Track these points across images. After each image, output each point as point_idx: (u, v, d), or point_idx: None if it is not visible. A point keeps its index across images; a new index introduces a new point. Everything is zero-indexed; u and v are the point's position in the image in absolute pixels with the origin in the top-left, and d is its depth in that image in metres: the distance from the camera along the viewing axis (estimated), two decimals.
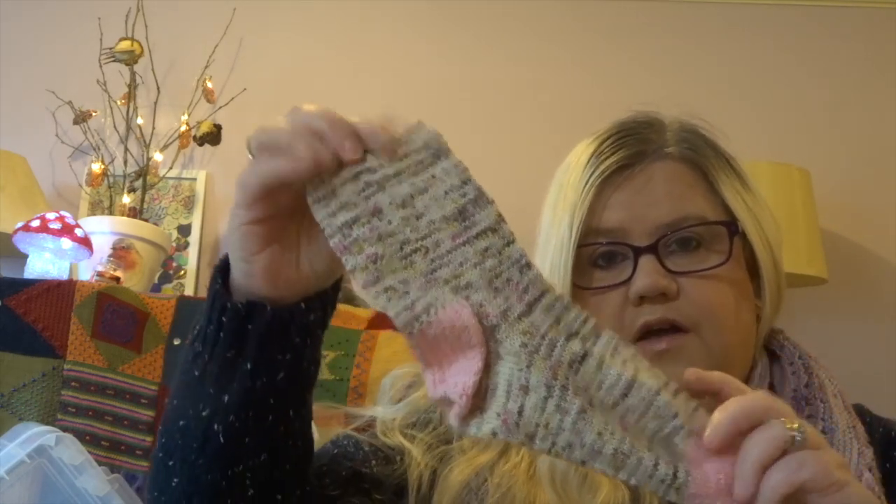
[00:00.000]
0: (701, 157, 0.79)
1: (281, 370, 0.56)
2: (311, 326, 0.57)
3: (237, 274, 0.56)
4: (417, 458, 0.70)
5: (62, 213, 1.71)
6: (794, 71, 2.17)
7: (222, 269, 0.57)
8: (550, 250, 0.77)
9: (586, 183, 0.77)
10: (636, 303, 0.73)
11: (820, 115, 2.13)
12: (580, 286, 0.75)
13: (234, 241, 0.54)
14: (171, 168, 2.07)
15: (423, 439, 0.71)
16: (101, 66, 2.05)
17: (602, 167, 0.77)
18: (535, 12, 2.22)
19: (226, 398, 0.55)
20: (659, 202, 0.76)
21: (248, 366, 0.55)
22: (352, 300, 1.51)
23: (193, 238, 2.08)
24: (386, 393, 0.77)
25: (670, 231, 0.74)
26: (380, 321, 1.52)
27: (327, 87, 2.18)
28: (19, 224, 1.68)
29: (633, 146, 0.79)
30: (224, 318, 0.55)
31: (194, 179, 2.12)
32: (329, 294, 0.58)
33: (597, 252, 0.76)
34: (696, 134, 0.81)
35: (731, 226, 0.76)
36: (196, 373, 0.56)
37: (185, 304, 1.59)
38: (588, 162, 0.78)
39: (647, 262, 0.73)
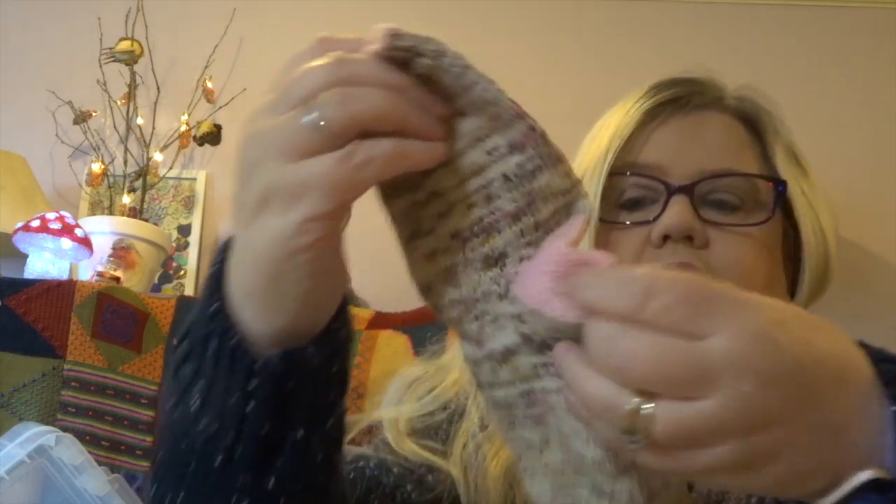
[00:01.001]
0: (760, 119, 0.74)
1: (330, 416, 0.44)
2: (347, 349, 0.44)
3: (257, 311, 0.39)
4: (447, 472, 0.62)
5: (62, 213, 1.71)
6: (793, 70, 2.17)
7: (218, 304, 0.41)
8: (582, 174, 0.69)
9: (630, 112, 0.71)
10: (658, 243, 0.65)
11: (819, 114, 2.13)
12: (604, 220, 0.68)
13: (291, 271, 0.37)
14: (171, 168, 2.07)
15: (442, 450, 0.64)
16: (101, 66, 2.05)
17: (652, 100, 0.71)
18: (540, 10, 2.22)
19: (271, 483, 0.41)
20: (706, 148, 0.69)
21: (300, 433, 0.41)
22: (352, 300, 1.51)
23: (193, 238, 2.08)
24: (401, 391, 0.69)
25: (712, 177, 0.67)
26: (380, 321, 1.52)
27: None
28: (19, 224, 1.68)
29: (689, 87, 0.73)
30: (253, 382, 0.39)
31: (194, 179, 2.12)
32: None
33: (627, 191, 0.69)
34: (758, 100, 0.76)
35: (780, 184, 0.69)
36: (217, 460, 0.41)
37: (185, 304, 1.59)
38: (638, 99, 0.72)
39: (679, 201, 0.65)
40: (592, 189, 0.67)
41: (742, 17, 2.22)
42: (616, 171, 0.68)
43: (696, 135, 0.70)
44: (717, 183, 0.67)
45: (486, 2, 2.26)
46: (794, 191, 0.70)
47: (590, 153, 0.71)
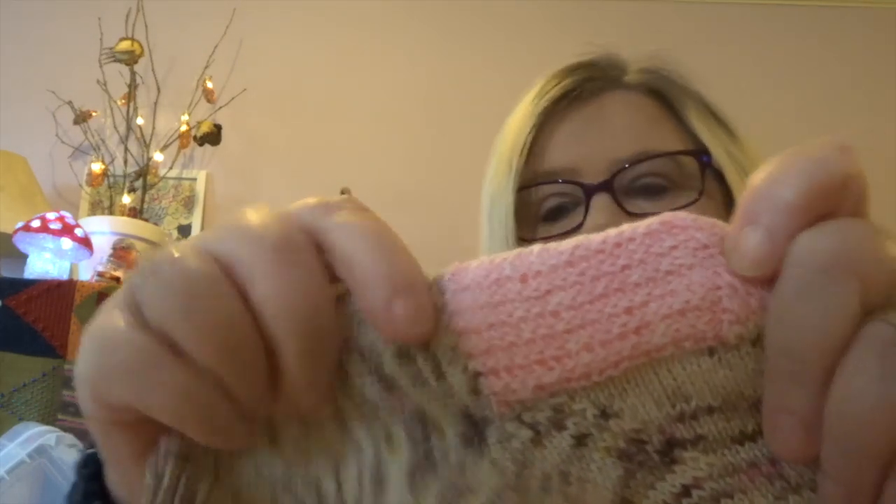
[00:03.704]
0: (666, 87, 0.66)
1: None
2: None
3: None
4: None
5: (62, 213, 1.71)
6: (793, 70, 2.17)
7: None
8: (488, 202, 0.64)
9: (525, 118, 0.64)
10: None
11: (819, 114, 2.13)
12: (525, 238, 0.61)
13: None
14: (171, 168, 2.07)
15: None
16: (101, 66, 2.05)
17: (546, 98, 0.64)
18: (535, 14, 2.22)
19: None
20: (615, 135, 0.62)
21: None
22: None
23: None
24: None
25: (627, 166, 0.60)
26: None
27: (327, 87, 2.19)
28: (19, 224, 1.68)
29: (585, 73, 0.66)
30: None
31: (194, 179, 2.12)
32: None
33: (547, 200, 0.62)
34: (664, 68, 0.68)
35: (703, 155, 0.62)
36: None
37: None
38: (531, 100, 0.66)
39: (600, 201, 0.59)
40: (503, 210, 0.62)
41: (741, 18, 2.22)
42: (525, 186, 0.62)
43: (600, 123, 0.63)
44: (637, 169, 0.60)
45: (486, 2, 2.26)
46: (721, 157, 0.63)
47: (497, 171, 0.64)
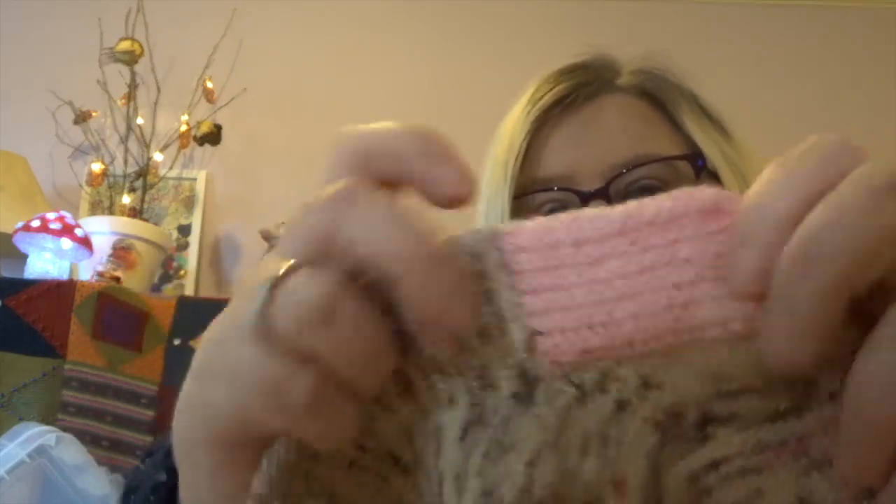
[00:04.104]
0: (660, 89, 0.66)
1: None
2: None
3: None
4: None
5: (62, 213, 1.71)
6: (793, 70, 2.17)
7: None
8: (485, 210, 0.64)
9: (518, 125, 0.64)
10: None
11: (819, 114, 2.13)
12: None
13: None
14: (171, 168, 2.07)
15: None
16: (101, 66, 2.05)
17: (539, 105, 0.64)
18: (535, 14, 2.22)
19: None
20: (610, 138, 0.62)
21: None
22: None
23: (193, 238, 2.08)
24: None
25: (624, 171, 0.60)
26: None
27: (327, 87, 2.18)
28: (19, 224, 1.68)
29: (578, 78, 0.66)
30: None
31: (194, 179, 2.12)
32: None
33: (542, 206, 0.62)
34: (657, 69, 0.68)
35: (697, 159, 0.62)
36: None
37: (185, 304, 1.59)
38: (524, 106, 0.65)
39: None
40: (498, 219, 0.61)
41: (741, 18, 2.22)
42: (520, 194, 0.62)
43: (594, 127, 0.63)
44: (632, 174, 0.60)
45: (486, 2, 2.26)
46: (715, 158, 0.63)
47: (491, 181, 0.64)
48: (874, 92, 2.14)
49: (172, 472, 0.29)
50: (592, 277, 0.24)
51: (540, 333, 0.24)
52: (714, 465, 0.25)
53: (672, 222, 0.24)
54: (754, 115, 2.11)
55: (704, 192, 0.24)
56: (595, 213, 0.24)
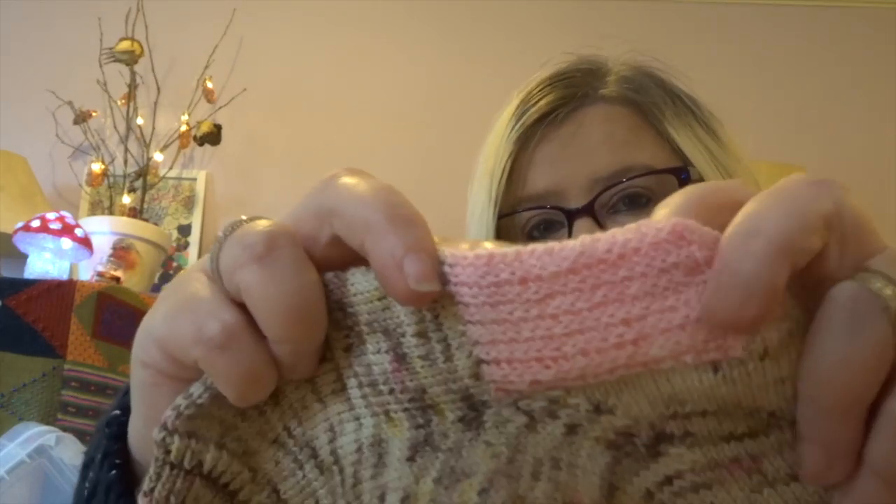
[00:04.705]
0: (644, 96, 0.64)
1: None
2: None
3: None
4: None
5: (62, 213, 1.71)
6: (793, 70, 2.17)
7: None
8: (473, 226, 0.64)
9: (502, 144, 0.63)
10: None
11: (819, 114, 2.13)
12: None
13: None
14: (171, 168, 2.07)
15: None
16: (101, 66, 2.05)
17: (522, 119, 0.63)
18: (535, 14, 2.22)
19: None
20: (594, 151, 0.61)
21: None
22: None
23: (193, 238, 2.08)
24: None
25: (609, 186, 0.60)
26: None
27: (327, 87, 2.19)
28: (19, 224, 1.68)
29: (560, 90, 0.65)
30: None
31: (194, 179, 2.12)
32: None
33: (530, 222, 0.62)
34: (642, 72, 0.67)
35: (682, 172, 0.61)
36: None
37: None
38: (507, 123, 0.65)
39: (582, 226, 0.59)
40: (482, 237, 0.60)
41: (740, 18, 2.22)
42: (506, 213, 0.62)
43: (578, 141, 0.62)
44: (617, 187, 0.60)
45: (487, 2, 2.26)
46: (701, 164, 0.62)
47: (477, 198, 0.64)
48: (874, 92, 2.14)
49: (127, 410, 0.32)
50: (540, 313, 0.23)
51: (486, 362, 0.24)
52: (668, 480, 0.25)
53: (623, 258, 0.23)
54: (753, 116, 2.12)
55: (662, 224, 0.23)
56: (544, 250, 0.24)
